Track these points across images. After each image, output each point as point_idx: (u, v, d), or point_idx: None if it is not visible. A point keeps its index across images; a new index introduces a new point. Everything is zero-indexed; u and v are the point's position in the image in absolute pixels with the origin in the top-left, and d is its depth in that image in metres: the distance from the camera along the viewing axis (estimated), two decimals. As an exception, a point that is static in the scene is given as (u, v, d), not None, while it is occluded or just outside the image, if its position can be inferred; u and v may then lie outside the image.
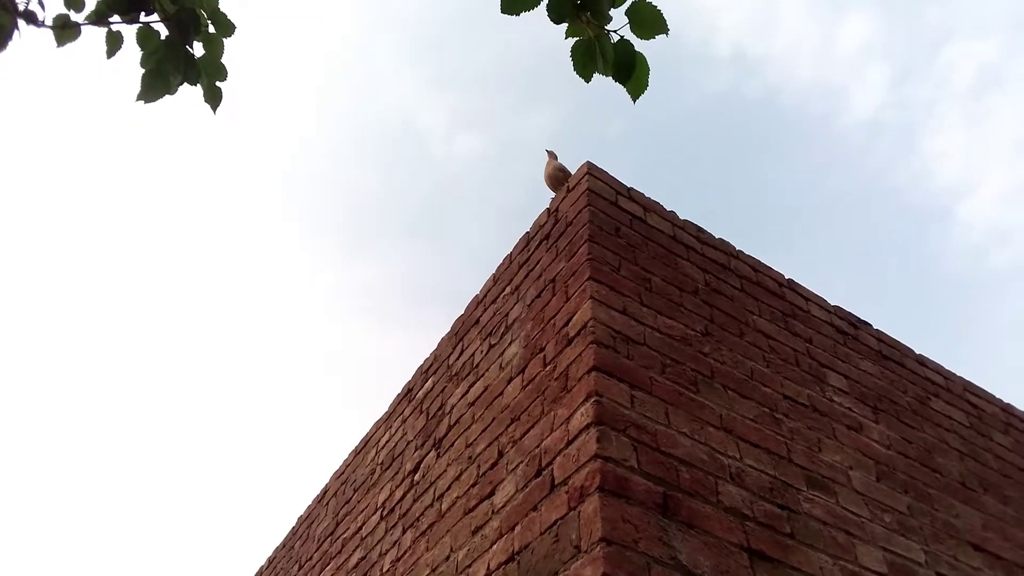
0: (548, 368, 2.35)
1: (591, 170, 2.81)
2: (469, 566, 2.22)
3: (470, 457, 2.55)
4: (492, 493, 2.30)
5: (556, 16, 1.02)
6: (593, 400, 2.04)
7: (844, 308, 3.30)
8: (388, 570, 2.72)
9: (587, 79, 1.04)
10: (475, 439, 2.59)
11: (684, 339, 2.46)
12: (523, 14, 1.01)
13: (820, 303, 3.20)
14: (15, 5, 1.17)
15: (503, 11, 1.01)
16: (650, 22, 1.01)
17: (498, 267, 3.12)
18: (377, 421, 3.63)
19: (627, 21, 1.01)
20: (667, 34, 1.02)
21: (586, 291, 2.36)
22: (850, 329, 3.20)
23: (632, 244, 2.65)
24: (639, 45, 1.02)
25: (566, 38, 1.04)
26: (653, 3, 1.00)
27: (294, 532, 4.07)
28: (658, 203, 2.96)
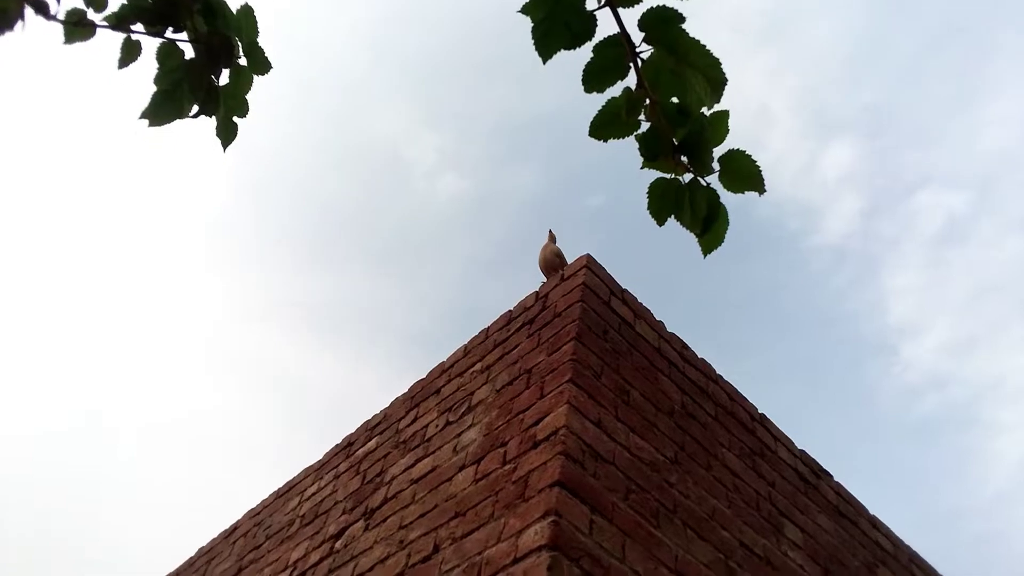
0: (507, 467, 2.18)
1: (589, 264, 2.70)
2: (377, 669, 2.01)
3: (401, 541, 2.36)
4: (418, 591, 2.11)
5: (648, 152, 0.90)
6: (551, 519, 1.88)
7: (808, 454, 3.21)
8: (285, 643, 2.48)
9: (660, 223, 0.92)
10: (411, 522, 2.39)
11: (653, 464, 2.33)
12: (609, 140, 0.89)
13: (788, 445, 3.11)
14: None
15: (591, 135, 0.89)
16: (744, 176, 0.89)
17: (472, 339, 2.96)
18: (307, 468, 3.40)
19: (717, 169, 0.90)
20: (761, 193, 0.91)
21: (564, 394, 2.22)
22: (812, 477, 3.10)
23: (617, 350, 2.53)
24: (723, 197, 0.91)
25: (642, 168, 0.93)
26: (750, 155, 0.89)
27: (191, 563, 3.77)
28: (648, 310, 2.85)
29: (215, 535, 3.77)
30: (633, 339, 2.64)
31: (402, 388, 3.17)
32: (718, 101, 0.85)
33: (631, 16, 0.81)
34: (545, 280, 2.82)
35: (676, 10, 0.81)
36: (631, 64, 0.85)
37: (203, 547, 3.80)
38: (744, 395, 3.06)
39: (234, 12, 1.07)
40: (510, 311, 2.88)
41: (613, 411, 2.32)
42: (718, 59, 0.82)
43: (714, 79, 0.83)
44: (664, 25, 0.81)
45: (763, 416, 3.08)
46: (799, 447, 3.18)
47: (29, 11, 1.02)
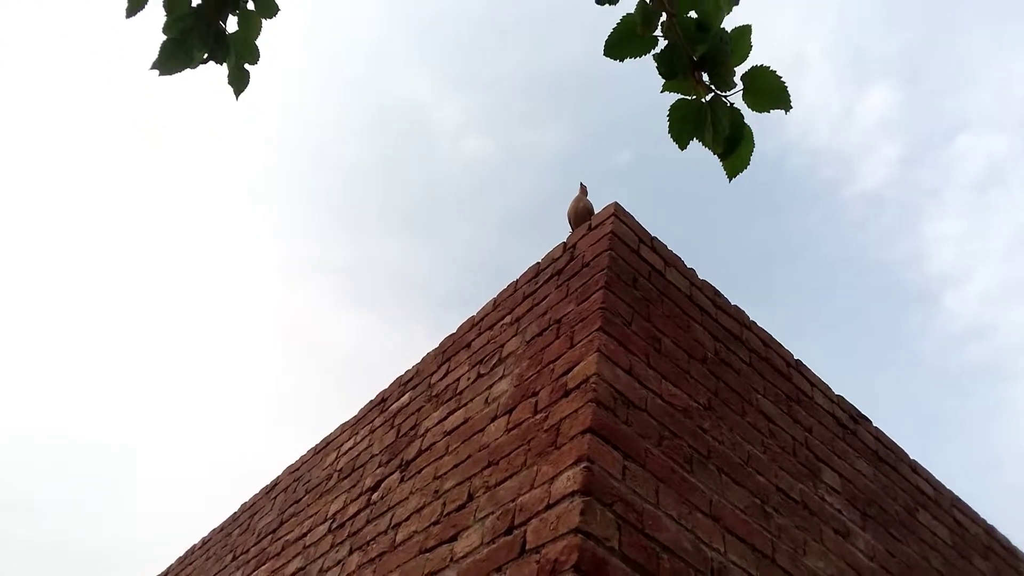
0: (539, 416, 2.18)
1: (617, 212, 2.65)
2: (415, 614, 2.05)
3: (436, 491, 2.38)
4: (454, 538, 2.13)
5: (666, 70, 0.85)
6: (583, 465, 1.88)
7: (846, 400, 3.16)
8: (326, 591, 2.54)
9: (682, 146, 0.88)
10: (445, 472, 2.41)
11: (686, 411, 2.31)
12: (626, 59, 0.85)
13: (824, 390, 3.06)
14: None
15: (606, 54, 0.85)
16: (770, 92, 0.84)
17: (500, 292, 2.95)
18: (343, 424, 3.45)
19: (740, 87, 0.85)
20: (787, 110, 0.86)
21: (593, 342, 2.20)
22: (850, 423, 3.06)
23: (648, 298, 2.50)
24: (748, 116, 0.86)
25: (663, 91, 0.88)
26: (776, 71, 0.84)
27: (235, 518, 3.88)
28: (679, 258, 2.81)
29: (257, 491, 3.86)
30: (664, 287, 2.60)
31: (434, 344, 3.17)
32: (736, 3, 0.80)
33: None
34: (572, 231, 2.78)
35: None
36: None
37: (246, 503, 3.90)
38: (779, 341, 3.02)
39: None
40: (538, 263, 2.85)
41: (644, 359, 2.30)
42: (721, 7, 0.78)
43: None
44: None
45: (799, 362, 3.03)
46: (836, 393, 3.13)
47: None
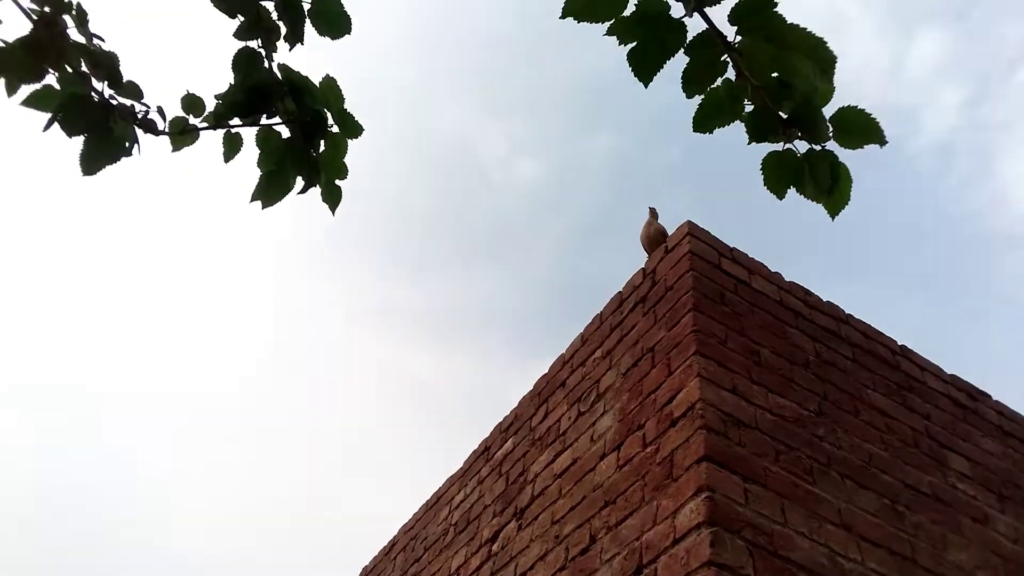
0: (649, 450, 2.17)
1: (692, 230, 2.63)
2: (560, 664, 2.05)
3: (557, 536, 2.39)
4: (585, 583, 2.13)
5: (758, 136, 0.86)
6: (705, 496, 1.86)
7: (960, 378, 3.03)
8: (465, 648, 2.57)
9: (780, 197, 0.88)
10: (563, 516, 2.42)
11: (798, 420, 2.26)
12: (715, 130, 0.86)
13: (936, 372, 2.94)
14: (134, 114, 1.08)
15: (695, 130, 0.87)
16: (861, 131, 0.84)
17: (587, 326, 2.96)
18: (451, 477, 3.50)
19: (831, 132, 0.85)
20: (882, 145, 0.86)
21: (692, 367, 2.18)
22: (969, 402, 2.93)
23: (738, 312, 2.47)
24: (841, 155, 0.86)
25: (749, 144, 0.89)
26: (864, 109, 0.84)
27: (360, 583, 3.96)
28: (762, 264, 2.76)
29: (375, 554, 3.94)
30: (752, 297, 2.57)
31: (526, 381, 3.20)
32: (830, 81, 0.81)
33: (719, 13, 0.78)
34: (649, 256, 2.78)
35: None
36: (728, 59, 0.82)
37: (367, 566, 3.98)
38: (879, 330, 2.92)
39: (318, 85, 1.11)
40: (620, 293, 2.85)
41: (746, 374, 2.27)
42: (821, 38, 0.78)
43: (822, 59, 0.79)
44: (757, 14, 0.78)
45: (904, 348, 2.93)
46: (948, 372, 3.01)
47: (140, 132, 1.08)
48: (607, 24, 0.82)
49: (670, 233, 2.74)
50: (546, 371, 3.11)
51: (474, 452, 3.39)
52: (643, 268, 2.77)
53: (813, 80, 0.80)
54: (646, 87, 0.85)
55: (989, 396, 3.06)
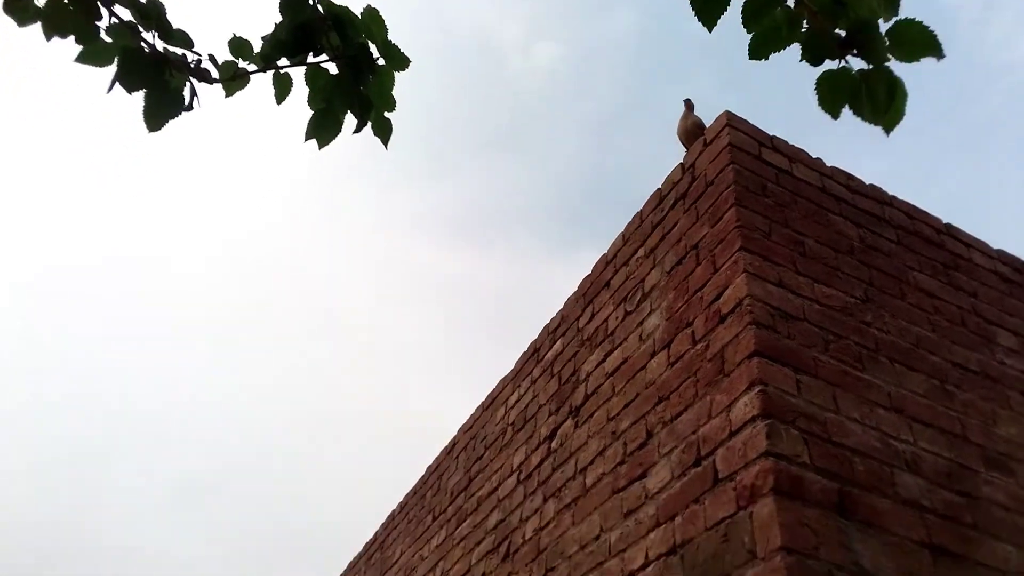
0: (699, 347, 2.22)
1: (731, 121, 2.58)
2: (624, 550, 2.19)
3: (614, 432, 2.49)
4: (644, 475, 2.24)
5: (814, 59, 0.84)
6: (758, 390, 1.92)
7: (1007, 252, 3.00)
8: (531, 538, 2.74)
9: (835, 116, 0.87)
10: (618, 413, 2.51)
11: (844, 308, 2.28)
12: (771, 53, 0.84)
13: (982, 249, 2.92)
14: (187, 64, 1.08)
15: (751, 57, 0.85)
16: (919, 44, 0.82)
17: (627, 225, 2.96)
18: (503, 378, 3.62)
19: (887, 42, 0.83)
20: (940, 58, 0.84)
21: (738, 263, 2.20)
22: (1016, 276, 2.92)
23: (781, 203, 2.45)
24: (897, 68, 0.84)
25: (802, 60, 0.87)
26: (923, 22, 0.81)
27: (424, 481, 4.19)
28: (803, 151, 2.71)
29: (437, 453, 4.14)
30: (794, 186, 2.54)
31: (563, 276, 3.25)
32: (896, 14, 0.78)
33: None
34: (688, 150, 2.74)
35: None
36: None
37: (430, 465, 4.19)
38: (924, 209, 2.89)
39: (359, 17, 1.09)
40: (659, 189, 2.84)
41: (792, 266, 2.28)
42: None
43: None
44: None
45: (949, 226, 2.90)
46: (995, 247, 2.98)
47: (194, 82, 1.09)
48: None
49: (707, 125, 2.69)
50: (589, 272, 3.14)
51: (524, 354, 3.49)
52: (681, 163, 2.74)
53: (877, 11, 0.78)
54: (710, 32, 0.83)
55: (1038, 267, 3.04)
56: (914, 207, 2.87)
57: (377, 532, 4.64)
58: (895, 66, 0.88)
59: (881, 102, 0.83)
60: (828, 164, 2.75)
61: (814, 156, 2.74)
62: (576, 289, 3.20)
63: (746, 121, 2.63)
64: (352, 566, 4.88)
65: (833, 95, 0.86)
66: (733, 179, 2.40)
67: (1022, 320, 2.74)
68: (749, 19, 0.84)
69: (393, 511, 4.49)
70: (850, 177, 2.76)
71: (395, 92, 1.17)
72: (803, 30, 0.84)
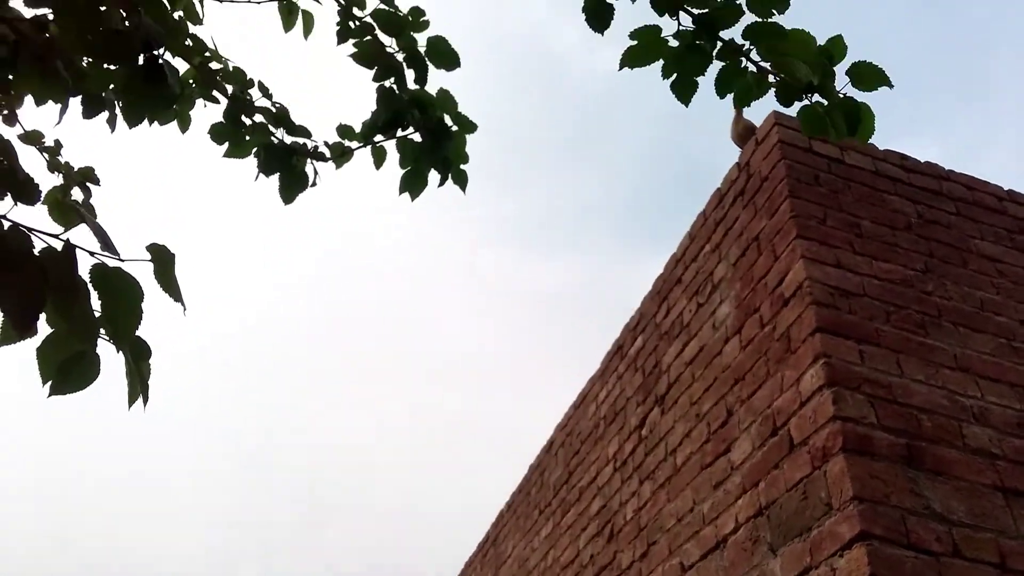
0: (767, 329, 2.43)
1: (779, 119, 2.78)
2: (716, 518, 2.41)
3: (697, 415, 2.71)
4: (728, 450, 2.46)
5: (786, 102, 1.11)
6: (822, 362, 2.12)
7: (1074, 209, 3.06)
8: (631, 518, 2.98)
9: (825, 136, 1.13)
10: (699, 397, 2.74)
11: (904, 281, 2.45)
12: (751, 104, 1.12)
13: (1047, 210, 3.00)
14: (308, 150, 1.43)
15: (736, 107, 1.11)
16: (871, 78, 1.09)
17: (693, 224, 3.19)
18: (591, 377, 3.88)
19: (847, 80, 1.10)
20: (890, 87, 1.09)
21: (796, 250, 2.40)
22: (1085, 232, 2.98)
23: (834, 190, 2.63)
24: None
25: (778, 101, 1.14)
26: (872, 62, 1.09)
27: (527, 479, 4.48)
28: (853, 139, 2.87)
29: (538, 452, 4.42)
30: (846, 173, 2.71)
31: (636, 276, 3.49)
32: (826, 75, 1.05)
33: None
34: (742, 150, 2.95)
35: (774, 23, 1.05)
36: (746, 63, 1.08)
37: (532, 464, 4.48)
38: (985, 180, 2.99)
39: (435, 96, 1.42)
40: (719, 189, 3.05)
41: (849, 247, 2.46)
42: (814, 39, 1.04)
43: (821, 56, 1.04)
44: (762, 29, 1.05)
45: (1011, 192, 2.99)
46: (1061, 207, 3.04)
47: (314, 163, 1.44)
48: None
49: (758, 125, 2.89)
50: (661, 271, 3.37)
51: (608, 353, 3.74)
52: (737, 163, 2.95)
53: (810, 76, 1.04)
54: (686, 107, 1.13)
55: (1108, 222, 3.08)
56: (973, 178, 2.99)
57: (488, 531, 4.95)
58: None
59: (840, 129, 1.09)
60: (881, 149, 2.91)
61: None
62: (651, 287, 3.44)
63: (794, 118, 2.82)
64: (469, 564, 5.21)
65: (810, 123, 1.13)
66: (785, 173, 2.60)
67: (1093, 275, 2.81)
68: (722, 88, 1.12)
69: (502, 510, 4.79)
70: (904, 157, 2.90)
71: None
72: (771, 83, 1.11)
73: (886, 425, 2.03)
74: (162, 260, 0.91)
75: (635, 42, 1.12)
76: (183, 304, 0.94)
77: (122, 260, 0.90)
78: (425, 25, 1.45)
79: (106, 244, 0.87)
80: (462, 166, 1.50)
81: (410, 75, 1.41)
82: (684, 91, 1.15)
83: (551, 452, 4.17)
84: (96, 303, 0.86)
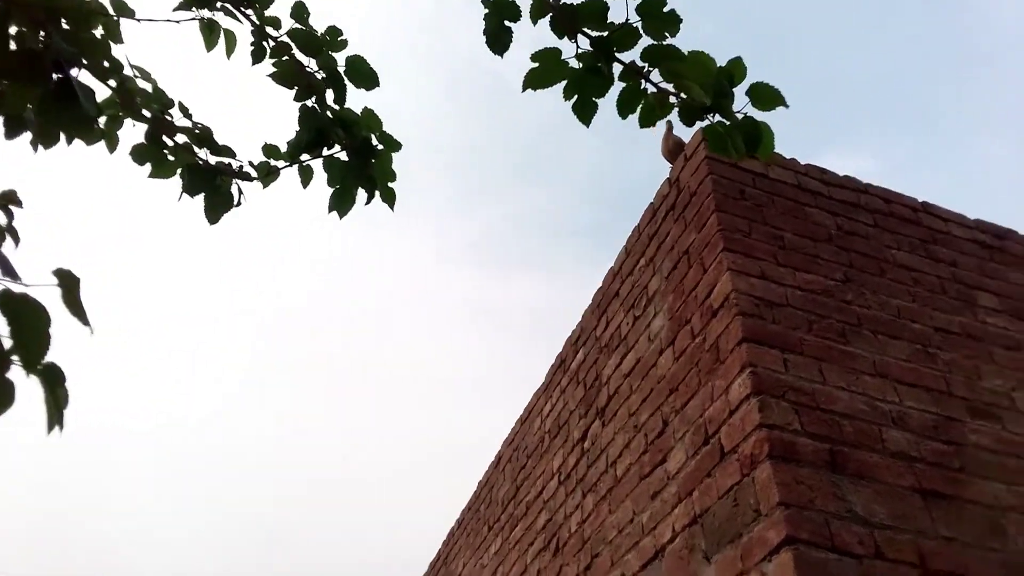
0: (697, 340, 2.50)
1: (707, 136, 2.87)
2: (654, 528, 2.46)
3: (635, 426, 2.77)
4: (664, 460, 2.52)
5: (689, 122, 1.17)
6: (748, 371, 2.19)
7: (984, 221, 3.23)
8: (576, 531, 3.01)
9: (727, 154, 1.19)
10: (637, 408, 2.79)
11: (825, 291, 2.55)
12: (656, 125, 1.17)
13: (960, 221, 3.15)
14: (233, 170, 1.43)
15: (641, 127, 1.17)
16: (768, 98, 1.15)
17: (628, 239, 3.26)
18: (536, 391, 3.91)
19: (747, 100, 1.17)
20: (787, 107, 1.16)
21: (722, 262, 2.48)
22: (994, 241, 3.14)
23: (759, 204, 2.73)
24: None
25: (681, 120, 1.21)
26: (768, 83, 1.15)
27: (476, 496, 4.48)
28: (778, 154, 2.99)
29: (486, 468, 4.44)
30: (771, 187, 2.82)
31: (584, 292, 3.55)
32: (720, 94, 1.11)
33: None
34: (672, 166, 3.03)
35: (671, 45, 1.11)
36: (647, 84, 1.14)
37: (480, 480, 4.49)
38: (899, 192, 3.13)
39: (359, 115, 1.45)
40: (652, 204, 3.13)
41: (772, 259, 2.55)
42: (712, 60, 1.11)
43: (719, 77, 1.11)
44: (659, 52, 1.11)
45: (924, 204, 3.14)
46: (973, 218, 3.21)
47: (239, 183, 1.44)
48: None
49: (687, 142, 2.98)
50: (600, 284, 3.44)
51: (552, 366, 3.79)
52: (668, 178, 3.03)
53: (703, 97, 1.11)
54: (587, 127, 1.18)
55: (1015, 232, 3.26)
56: (890, 191, 3.13)
57: (439, 550, 4.94)
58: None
59: (739, 147, 1.16)
60: (803, 163, 3.02)
61: (788, 157, 3.02)
62: (591, 301, 3.50)
63: (721, 134, 2.91)
64: (420, 585, 5.18)
65: (714, 143, 1.19)
66: (712, 188, 2.69)
67: (1004, 281, 2.97)
68: (623, 109, 1.17)
69: (452, 528, 4.79)
70: (824, 172, 3.02)
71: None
72: (673, 104, 1.16)
73: (810, 431, 2.11)
74: (68, 284, 0.93)
75: (536, 64, 1.17)
76: (90, 327, 0.95)
77: (27, 285, 0.90)
78: (343, 44, 1.48)
79: (7, 269, 0.88)
80: (389, 183, 1.52)
81: (330, 95, 1.43)
82: (585, 112, 1.20)
83: (499, 468, 4.19)
84: (5, 329, 0.87)
